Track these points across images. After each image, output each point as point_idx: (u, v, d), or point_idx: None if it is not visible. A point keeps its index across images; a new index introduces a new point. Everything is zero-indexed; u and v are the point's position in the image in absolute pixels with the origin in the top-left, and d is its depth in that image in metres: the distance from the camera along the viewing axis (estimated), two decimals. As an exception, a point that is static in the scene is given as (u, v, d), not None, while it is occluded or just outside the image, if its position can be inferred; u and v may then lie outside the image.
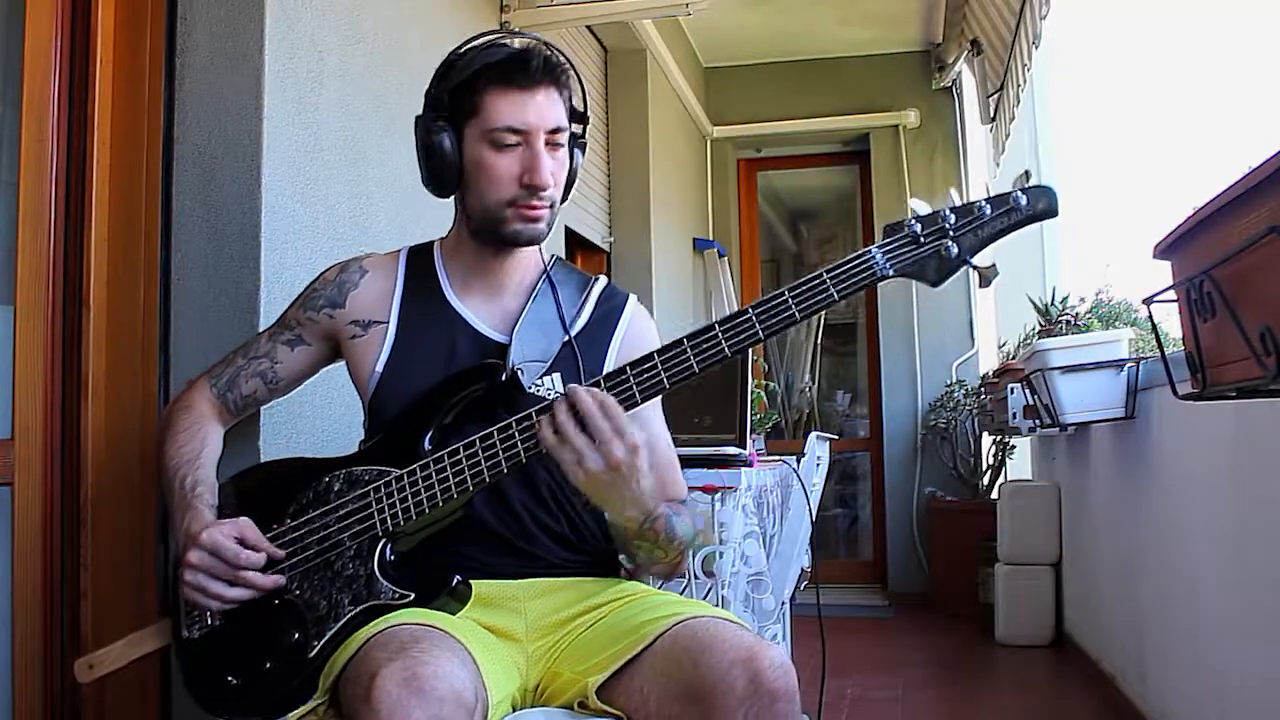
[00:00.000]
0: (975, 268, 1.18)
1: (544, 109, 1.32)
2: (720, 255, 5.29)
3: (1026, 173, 1.33)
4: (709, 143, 5.57)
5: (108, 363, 1.67)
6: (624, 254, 4.31)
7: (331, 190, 1.94)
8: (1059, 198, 1.17)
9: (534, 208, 1.34)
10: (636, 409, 1.22)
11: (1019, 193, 1.17)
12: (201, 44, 1.76)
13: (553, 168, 1.34)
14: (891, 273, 1.17)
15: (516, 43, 1.36)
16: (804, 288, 1.17)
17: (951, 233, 1.17)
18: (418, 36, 2.32)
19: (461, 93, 1.34)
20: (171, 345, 1.73)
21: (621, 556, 1.43)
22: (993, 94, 4.69)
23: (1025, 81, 4.08)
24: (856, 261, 1.17)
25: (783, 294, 1.17)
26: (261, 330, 1.51)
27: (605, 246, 4.25)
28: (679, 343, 1.20)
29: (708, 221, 5.54)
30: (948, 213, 1.17)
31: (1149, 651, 2.80)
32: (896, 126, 5.37)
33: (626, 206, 4.33)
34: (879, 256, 1.17)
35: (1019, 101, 4.30)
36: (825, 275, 1.17)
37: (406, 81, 2.20)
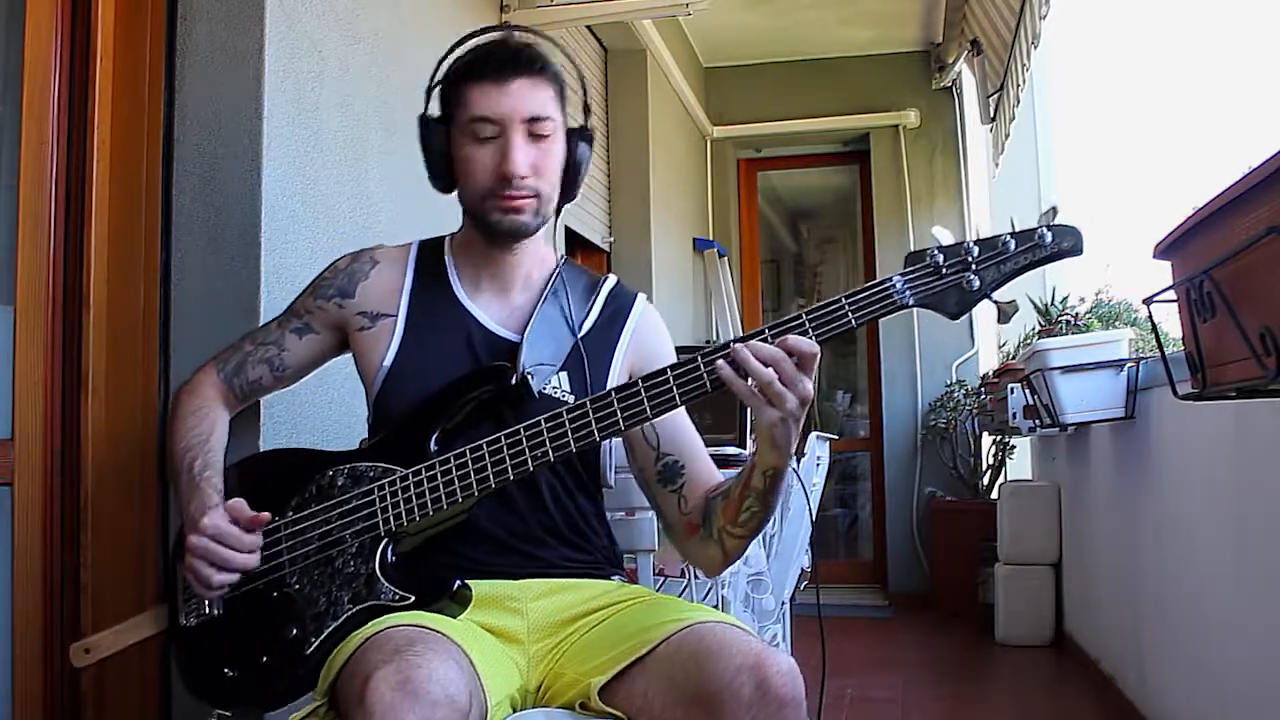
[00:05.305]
0: (996, 303, 1.16)
1: (518, 98, 1.31)
2: (720, 255, 5.28)
3: (1054, 209, 1.29)
4: (709, 143, 5.57)
5: (108, 363, 1.67)
6: (624, 254, 4.30)
7: (331, 190, 1.94)
8: (1084, 238, 1.14)
9: (511, 198, 1.32)
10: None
11: (1045, 229, 1.14)
12: (201, 44, 1.76)
13: (533, 157, 1.33)
14: (911, 302, 1.16)
15: (497, 35, 1.38)
16: (822, 312, 1.16)
17: (974, 266, 1.15)
18: (418, 36, 2.32)
19: (447, 90, 1.36)
20: (171, 345, 1.72)
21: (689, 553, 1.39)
22: (993, 94, 4.69)
23: (1025, 81, 4.08)
24: (877, 288, 1.16)
25: (800, 317, 1.16)
26: (270, 319, 1.51)
27: (605, 246, 4.25)
28: (693, 359, 1.18)
29: (708, 221, 5.54)
30: (971, 245, 1.15)
31: (1148, 651, 2.80)
32: (896, 126, 5.37)
33: (626, 206, 4.33)
34: (900, 285, 1.16)
35: (1019, 101, 4.30)
36: (844, 300, 1.15)
37: (406, 81, 2.20)
